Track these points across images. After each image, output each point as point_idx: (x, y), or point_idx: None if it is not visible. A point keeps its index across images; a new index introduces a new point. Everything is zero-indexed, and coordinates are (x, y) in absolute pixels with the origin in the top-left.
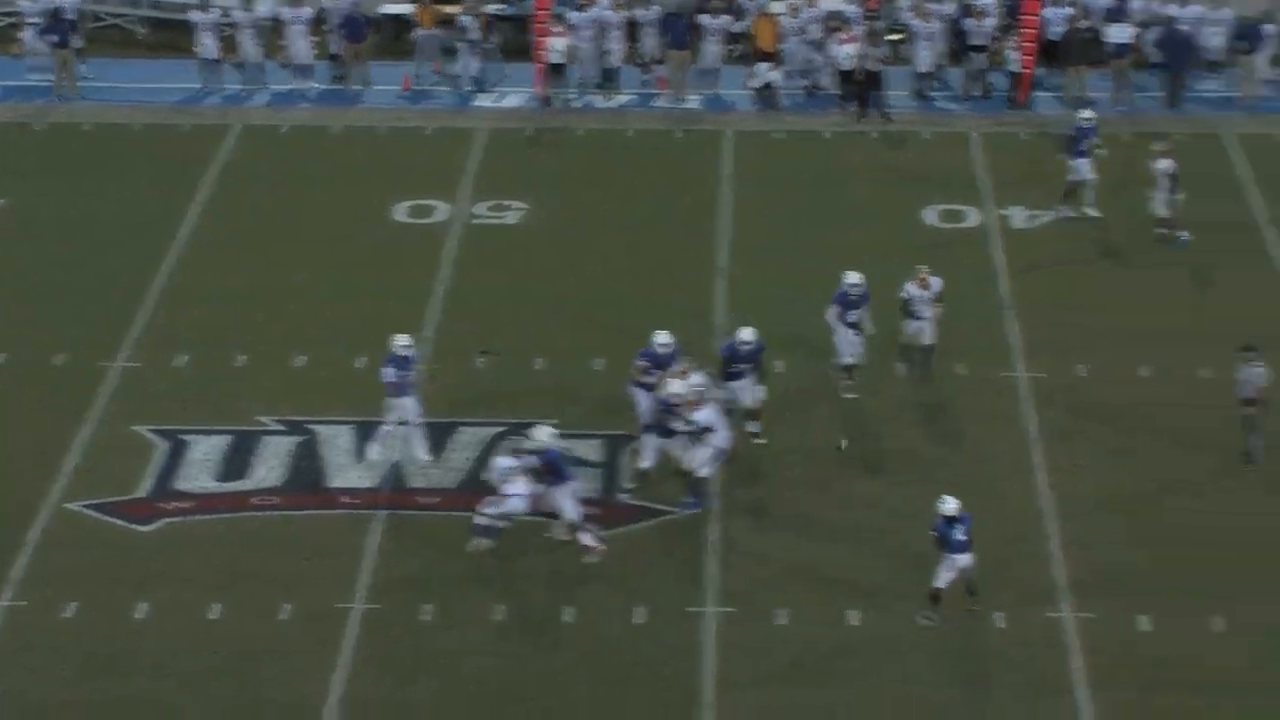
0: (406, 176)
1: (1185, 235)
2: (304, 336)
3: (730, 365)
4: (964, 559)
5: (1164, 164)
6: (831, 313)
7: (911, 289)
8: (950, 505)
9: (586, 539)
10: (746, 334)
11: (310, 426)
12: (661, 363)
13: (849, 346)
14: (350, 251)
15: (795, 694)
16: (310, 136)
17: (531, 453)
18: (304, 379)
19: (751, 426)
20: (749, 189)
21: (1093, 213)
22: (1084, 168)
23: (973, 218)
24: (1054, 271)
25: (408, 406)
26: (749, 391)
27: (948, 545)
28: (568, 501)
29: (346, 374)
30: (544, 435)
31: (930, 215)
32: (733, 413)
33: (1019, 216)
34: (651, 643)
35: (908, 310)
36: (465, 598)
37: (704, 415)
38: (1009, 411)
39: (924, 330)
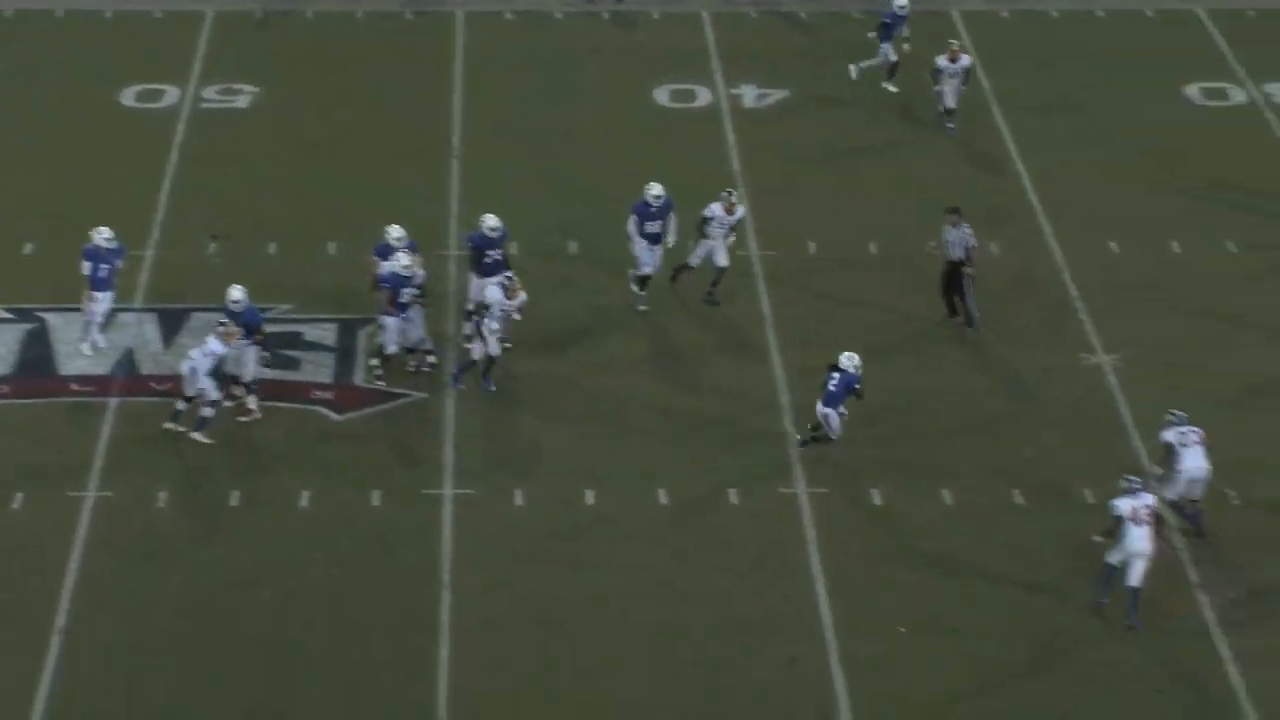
0: (134, 61)
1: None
2: (31, 223)
3: (483, 255)
4: (819, 406)
5: (965, 60)
6: (631, 222)
7: (716, 209)
8: (843, 359)
9: (252, 402)
10: (492, 221)
11: (40, 315)
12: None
13: (648, 256)
14: (79, 137)
15: (533, 573)
16: (34, 20)
17: (231, 314)
18: (30, 266)
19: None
20: (481, 70)
21: (892, 88)
22: (889, 50)
23: (704, 97)
24: (783, 150)
25: (107, 299)
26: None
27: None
28: (251, 364)
29: (75, 262)
30: (238, 294)
31: (662, 95)
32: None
33: (750, 95)
34: (388, 525)
35: (703, 230)
36: (200, 484)
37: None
38: (748, 290)
39: (718, 251)
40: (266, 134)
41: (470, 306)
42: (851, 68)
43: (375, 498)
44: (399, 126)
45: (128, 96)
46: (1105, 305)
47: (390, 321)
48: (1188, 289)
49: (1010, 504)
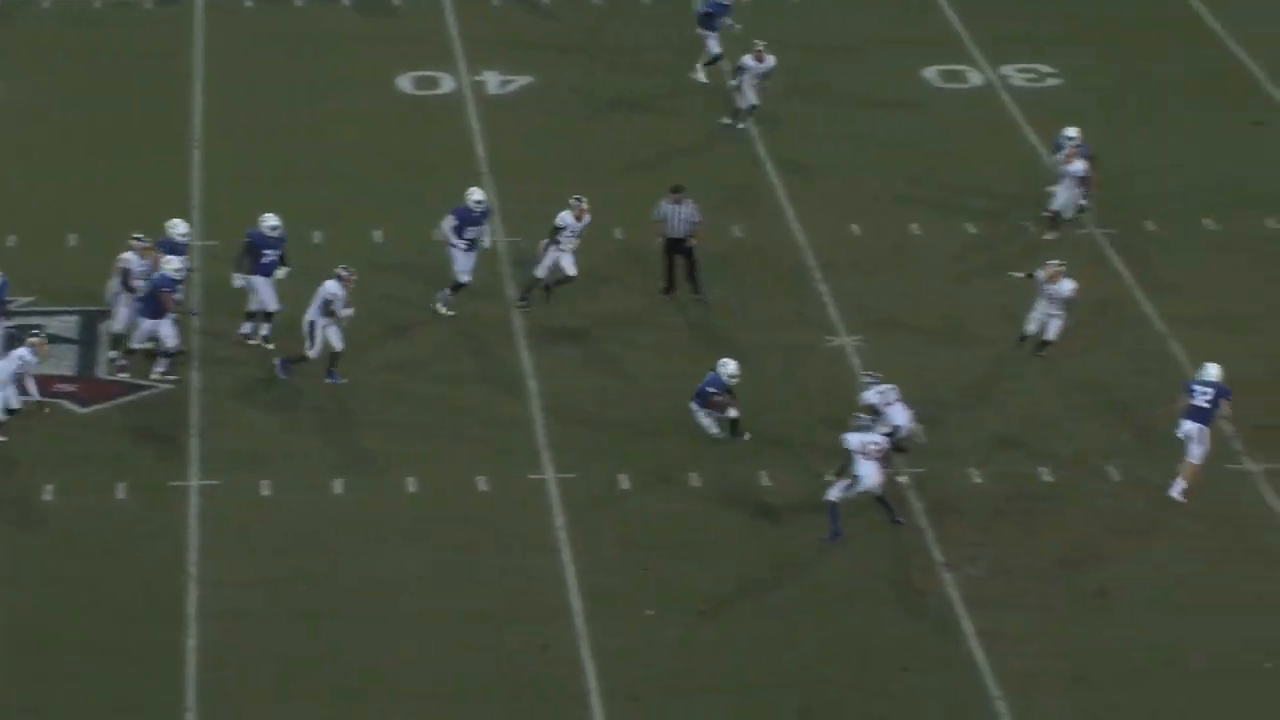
0: None
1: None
2: None
3: (260, 254)
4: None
5: (771, 60)
6: (447, 225)
7: (567, 217)
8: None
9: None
10: (272, 220)
11: None
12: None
13: (464, 263)
14: None
15: (282, 563)
16: None
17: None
18: None
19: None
20: (222, 60)
21: (701, 78)
22: (713, 41)
23: (448, 84)
24: (528, 137)
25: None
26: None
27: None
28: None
29: None
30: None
31: (405, 82)
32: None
33: (493, 82)
34: (135, 518)
35: (555, 237)
36: None
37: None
38: (496, 277)
39: (565, 259)
40: (5, 125)
41: (252, 308)
42: (699, 69)
43: (121, 490)
44: (140, 117)
45: None
46: (847, 287)
47: (123, 313)
48: (928, 270)
49: (756, 485)
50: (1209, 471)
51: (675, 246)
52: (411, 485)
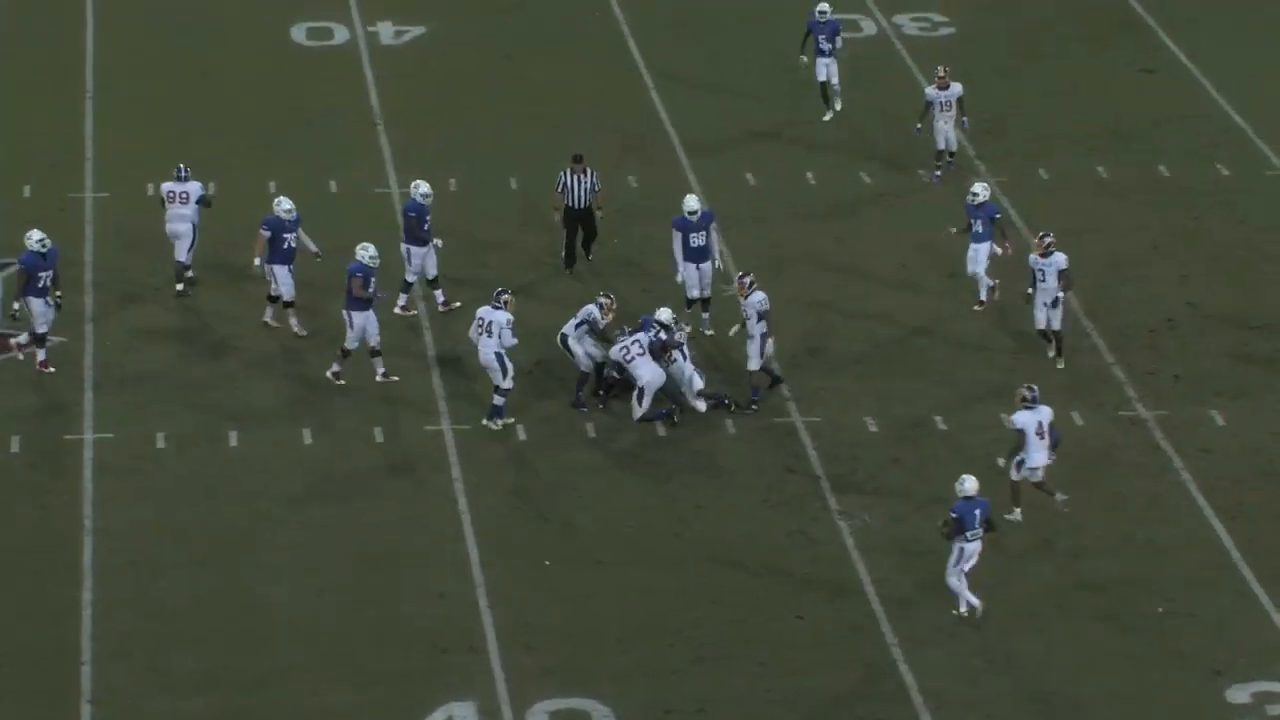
0: None
1: None
2: None
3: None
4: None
5: (957, 88)
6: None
7: (594, 312)
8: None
9: None
10: (286, 204)
11: None
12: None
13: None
14: None
15: (177, 513)
16: None
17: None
18: None
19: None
20: (115, 6)
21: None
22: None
23: (341, 35)
24: (422, 88)
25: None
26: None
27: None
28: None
29: None
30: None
31: (299, 33)
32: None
33: (387, 32)
34: (29, 470)
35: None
36: None
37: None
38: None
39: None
40: None
41: (272, 293)
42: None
43: (15, 444)
44: (31, 63)
45: None
46: (743, 240)
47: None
48: (823, 220)
49: (653, 437)
50: (1099, 418)
51: (578, 217)
52: (307, 436)
